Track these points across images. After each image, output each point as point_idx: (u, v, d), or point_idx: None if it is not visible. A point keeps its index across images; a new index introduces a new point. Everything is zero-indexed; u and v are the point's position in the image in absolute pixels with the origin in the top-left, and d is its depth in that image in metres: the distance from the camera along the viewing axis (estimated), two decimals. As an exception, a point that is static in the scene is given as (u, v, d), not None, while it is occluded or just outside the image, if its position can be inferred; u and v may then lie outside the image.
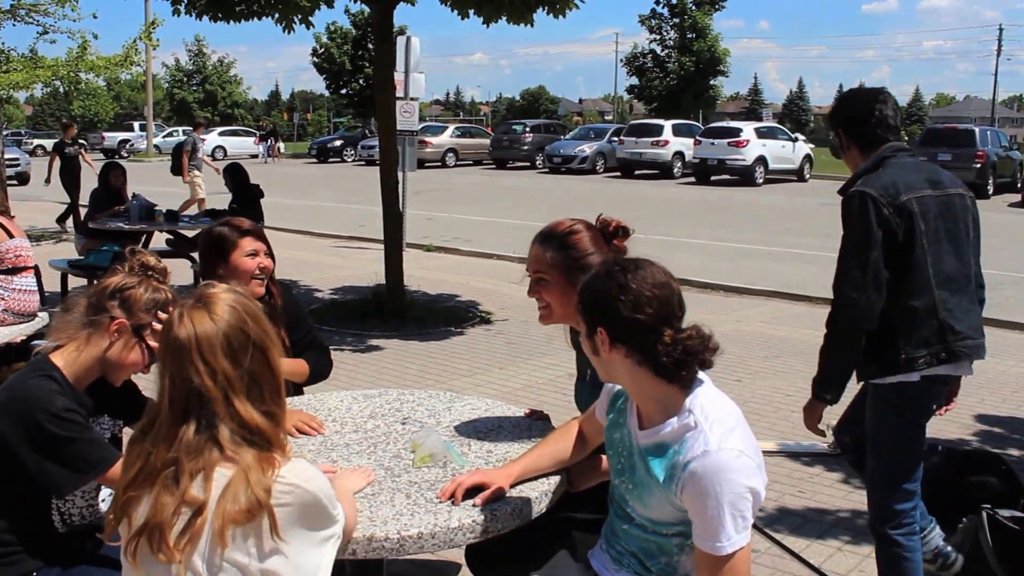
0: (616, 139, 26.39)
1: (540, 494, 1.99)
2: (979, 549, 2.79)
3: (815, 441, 4.43)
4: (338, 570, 2.27)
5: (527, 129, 30.04)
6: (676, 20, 39.55)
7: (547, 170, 27.20)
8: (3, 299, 4.25)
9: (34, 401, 1.89)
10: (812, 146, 27.26)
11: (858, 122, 2.61)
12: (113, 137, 39.98)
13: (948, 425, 4.81)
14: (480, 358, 6.14)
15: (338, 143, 34.11)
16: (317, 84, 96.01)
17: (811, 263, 10.48)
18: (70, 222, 12.20)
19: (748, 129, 23.30)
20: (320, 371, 2.96)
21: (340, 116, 55.57)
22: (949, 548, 2.85)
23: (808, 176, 24.11)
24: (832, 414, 5.10)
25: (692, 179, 23.56)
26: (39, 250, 9.15)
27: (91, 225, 7.84)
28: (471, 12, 7.12)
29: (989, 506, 2.85)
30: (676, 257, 10.11)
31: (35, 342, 4.19)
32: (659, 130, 25.25)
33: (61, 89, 17.11)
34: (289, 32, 7.34)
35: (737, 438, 1.65)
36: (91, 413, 2.05)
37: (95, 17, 13.66)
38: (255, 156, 33.90)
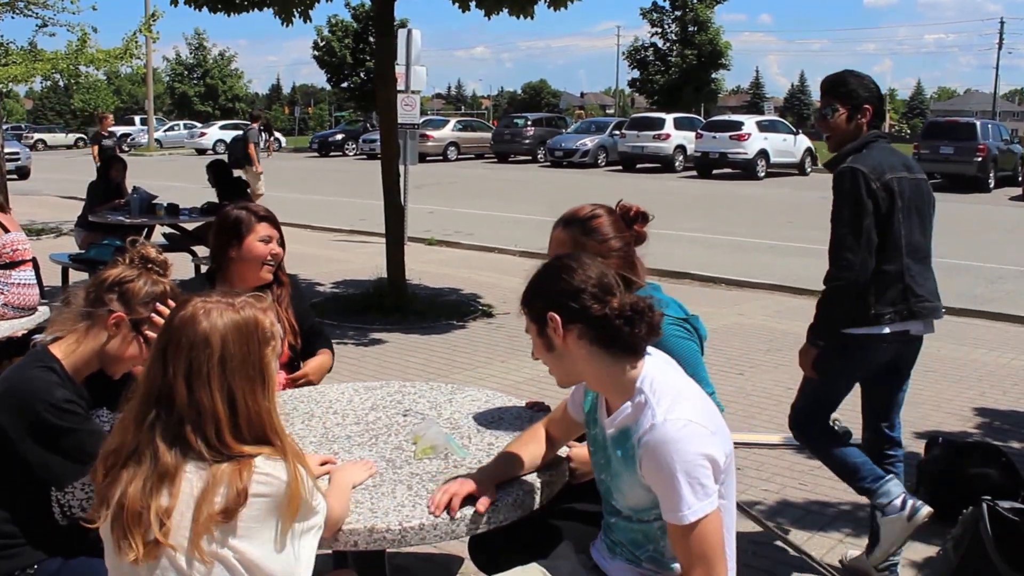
0: (618, 133, 26.34)
1: (542, 485, 1.99)
2: (979, 540, 2.79)
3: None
4: (341, 561, 2.29)
5: (529, 123, 29.99)
6: (678, 13, 39.42)
7: (549, 164, 27.17)
8: (2, 293, 4.25)
9: (33, 392, 1.89)
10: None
11: (880, 101, 2.93)
12: (113, 131, 39.92)
13: (949, 418, 4.82)
14: (481, 351, 6.14)
15: (339, 137, 34.08)
16: (318, 78, 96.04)
17: (812, 256, 10.45)
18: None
19: (750, 123, 23.26)
20: (331, 355, 3.06)
21: (341, 110, 55.50)
22: (913, 497, 2.96)
23: (809, 170, 24.07)
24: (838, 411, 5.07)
25: (694, 173, 23.53)
26: (39, 244, 9.17)
27: (91, 218, 7.84)
28: (472, 4, 7.11)
29: (989, 498, 2.84)
30: (677, 250, 10.10)
31: (35, 336, 4.19)
32: (661, 124, 25.20)
33: (61, 83, 17.08)
34: (288, 25, 7.33)
35: (685, 407, 1.68)
36: (90, 405, 2.05)
37: (94, 10, 13.69)
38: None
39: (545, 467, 2.05)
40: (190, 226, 8.29)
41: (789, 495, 3.76)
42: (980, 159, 19.46)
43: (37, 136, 40.73)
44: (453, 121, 32.62)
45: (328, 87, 46.13)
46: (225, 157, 11.97)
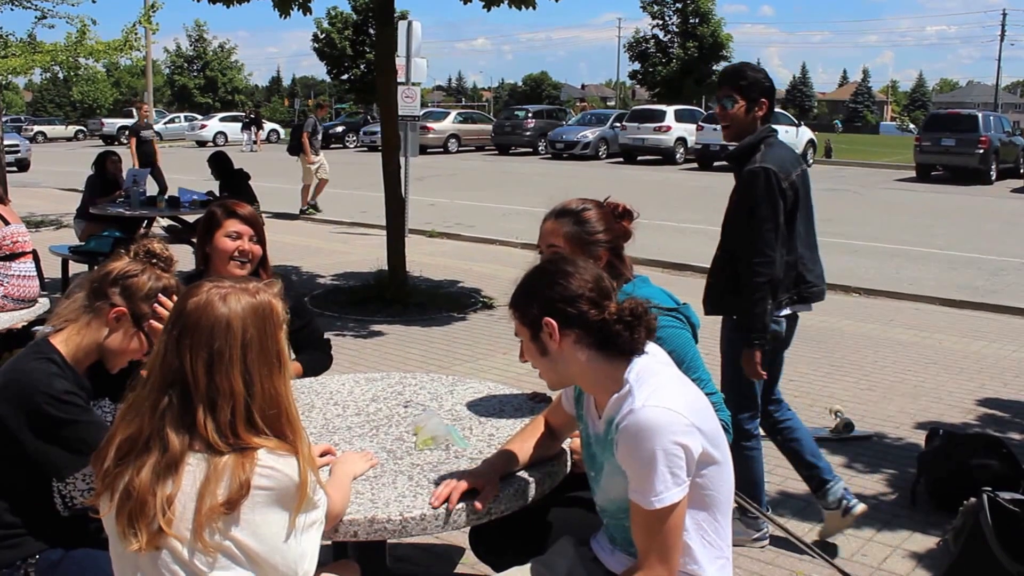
0: (619, 125, 26.28)
1: (543, 476, 1.99)
2: (980, 531, 2.79)
3: (818, 427, 4.43)
4: (341, 552, 2.29)
5: (529, 115, 29.92)
6: (679, 5, 39.31)
7: (549, 156, 27.11)
8: (2, 285, 4.25)
9: (34, 383, 1.89)
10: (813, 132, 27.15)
11: (774, 96, 3.08)
12: (112, 123, 39.86)
13: (950, 410, 4.82)
14: (482, 344, 6.13)
15: (340, 129, 33.98)
16: (318, 70, 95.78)
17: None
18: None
19: (751, 115, 23.15)
20: (315, 369, 2.96)
21: (342, 102, 55.38)
22: (850, 496, 3.23)
23: (811, 162, 24.02)
24: (838, 399, 5.08)
25: (694, 165, 23.48)
26: (39, 236, 9.15)
27: (92, 211, 7.84)
28: (473, -5, 7.07)
29: (990, 489, 2.85)
30: (678, 242, 10.09)
31: (36, 328, 4.19)
32: (661, 116, 25.13)
33: (60, 75, 17.03)
34: (285, 16, 7.29)
35: (667, 396, 1.67)
36: (92, 396, 2.04)
37: (94, 1, 13.62)
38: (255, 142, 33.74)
39: (547, 458, 2.05)
40: (191, 218, 8.28)
41: (790, 487, 3.76)
42: (982, 151, 19.41)
43: (37, 128, 40.64)
44: (454, 113, 32.53)
45: (328, 79, 46.04)
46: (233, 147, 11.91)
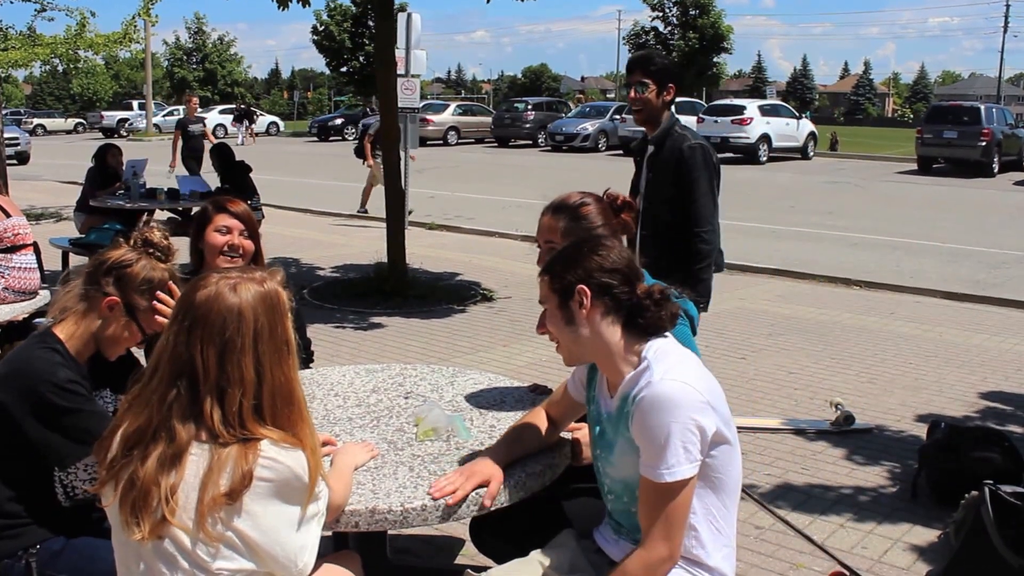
0: (618, 117, 26.20)
1: (544, 467, 1.99)
2: (981, 524, 2.79)
3: (819, 419, 4.43)
4: (342, 543, 2.29)
5: (529, 107, 29.85)
6: (679, -3, 39.16)
7: (549, 148, 27.07)
8: (3, 277, 4.24)
9: (37, 372, 1.89)
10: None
11: (681, 82, 3.31)
12: (112, 116, 39.80)
13: (952, 403, 4.82)
14: (482, 336, 6.13)
15: (339, 121, 33.92)
16: (318, 62, 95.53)
17: (814, 241, 10.44)
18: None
19: (752, 107, 23.12)
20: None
21: (341, 94, 55.26)
22: None
23: (812, 154, 23.99)
24: (839, 392, 5.07)
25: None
26: (39, 229, 9.15)
27: (92, 203, 7.83)
28: (473, -13, 7.05)
29: (991, 482, 2.85)
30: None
31: (37, 320, 4.19)
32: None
33: (60, 68, 17.00)
34: (284, 9, 7.27)
35: (685, 371, 1.69)
36: (93, 386, 2.04)
37: (93, -6, 13.56)
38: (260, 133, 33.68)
39: (548, 449, 2.05)
40: (192, 208, 8.27)
41: (791, 479, 3.77)
42: (984, 143, 19.36)
43: (36, 121, 40.58)
44: (453, 105, 32.45)
45: (327, 72, 45.92)
46: (230, 141, 11.81)
